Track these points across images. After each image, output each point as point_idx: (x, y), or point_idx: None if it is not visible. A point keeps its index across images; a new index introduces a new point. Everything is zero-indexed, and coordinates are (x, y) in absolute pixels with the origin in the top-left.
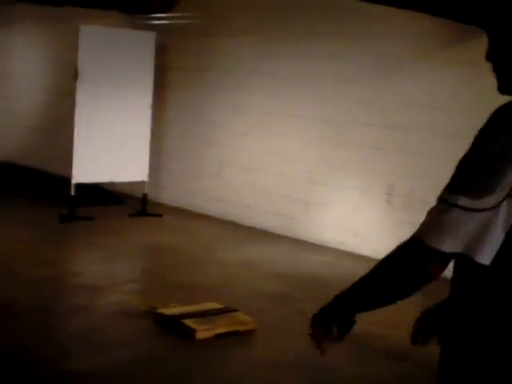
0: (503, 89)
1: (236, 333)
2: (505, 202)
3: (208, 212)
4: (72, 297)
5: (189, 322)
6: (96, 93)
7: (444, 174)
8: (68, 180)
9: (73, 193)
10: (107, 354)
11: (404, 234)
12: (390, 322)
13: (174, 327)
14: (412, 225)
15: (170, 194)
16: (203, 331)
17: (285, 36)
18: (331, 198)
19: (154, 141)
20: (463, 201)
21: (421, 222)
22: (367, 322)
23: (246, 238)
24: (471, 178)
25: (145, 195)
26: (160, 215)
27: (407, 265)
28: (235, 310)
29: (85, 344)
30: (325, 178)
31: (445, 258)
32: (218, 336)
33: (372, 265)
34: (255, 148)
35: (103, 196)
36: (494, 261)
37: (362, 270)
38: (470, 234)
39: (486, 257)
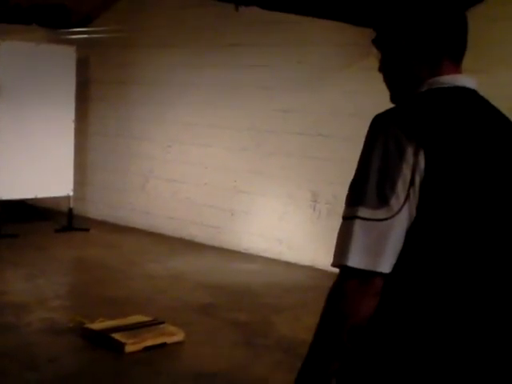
0: (393, 98)
1: (164, 345)
2: (403, 209)
3: (134, 224)
4: None
5: (117, 336)
6: (18, 108)
7: None
8: None
9: None
10: (36, 371)
11: (329, 240)
12: None
13: (103, 342)
14: (337, 231)
15: (96, 208)
16: (132, 344)
17: (207, 47)
18: (257, 206)
19: (78, 155)
20: (363, 212)
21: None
22: (298, 329)
23: (173, 250)
24: (365, 189)
25: (70, 210)
26: (86, 229)
27: (334, 294)
28: (163, 322)
29: (13, 362)
30: (250, 186)
31: (361, 273)
32: (147, 349)
33: (297, 271)
34: (179, 159)
35: (28, 212)
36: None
37: (289, 277)
38: (371, 245)
39: (386, 266)
